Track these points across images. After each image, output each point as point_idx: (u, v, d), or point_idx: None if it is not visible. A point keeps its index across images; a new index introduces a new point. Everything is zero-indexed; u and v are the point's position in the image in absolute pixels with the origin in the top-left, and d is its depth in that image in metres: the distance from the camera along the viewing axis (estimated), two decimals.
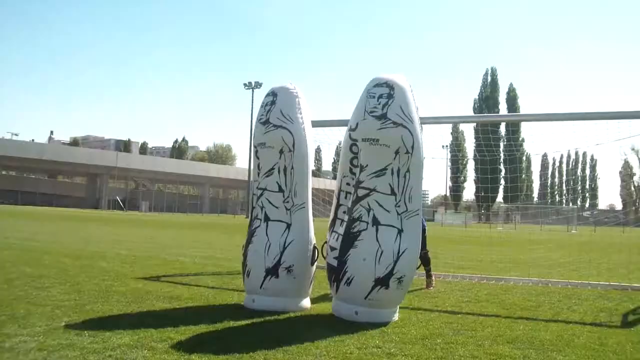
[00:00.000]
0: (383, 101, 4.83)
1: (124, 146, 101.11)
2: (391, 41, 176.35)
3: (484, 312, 5.50)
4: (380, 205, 4.75)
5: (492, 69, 78.67)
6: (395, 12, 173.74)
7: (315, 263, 5.39)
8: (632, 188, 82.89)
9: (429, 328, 4.59)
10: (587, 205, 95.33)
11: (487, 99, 76.74)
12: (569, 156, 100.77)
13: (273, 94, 5.49)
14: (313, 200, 5.67)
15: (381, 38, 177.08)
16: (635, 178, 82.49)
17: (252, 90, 57.04)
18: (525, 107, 78.19)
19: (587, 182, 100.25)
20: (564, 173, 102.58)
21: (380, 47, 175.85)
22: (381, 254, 4.65)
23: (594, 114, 7.10)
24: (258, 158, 5.48)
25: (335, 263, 4.91)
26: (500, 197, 66.49)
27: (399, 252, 4.68)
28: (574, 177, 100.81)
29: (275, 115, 5.33)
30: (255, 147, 5.52)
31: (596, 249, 14.36)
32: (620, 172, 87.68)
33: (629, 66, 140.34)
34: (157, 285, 6.47)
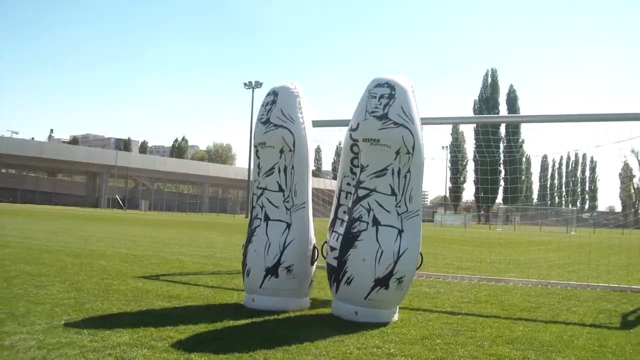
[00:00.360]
0: (384, 101, 4.83)
1: (124, 145, 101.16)
2: (392, 41, 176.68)
3: (484, 312, 5.51)
4: (381, 206, 4.75)
5: (492, 70, 78.96)
6: (395, 13, 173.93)
7: (315, 263, 5.40)
8: (632, 190, 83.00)
9: (428, 328, 4.59)
10: (586, 207, 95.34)
11: (487, 100, 76.90)
12: (568, 158, 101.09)
13: (274, 93, 5.49)
14: (313, 200, 5.67)
15: (382, 38, 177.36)
16: (635, 180, 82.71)
17: (253, 90, 57.13)
18: (525, 108, 78.45)
19: (587, 184, 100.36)
20: (564, 175, 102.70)
21: (381, 47, 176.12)
22: (381, 255, 4.66)
23: (594, 115, 7.09)
24: (258, 157, 5.48)
25: (335, 263, 4.91)
26: (499, 198, 66.61)
27: (399, 253, 4.69)
28: (573, 179, 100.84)
29: (276, 115, 5.33)
30: (255, 146, 5.52)
31: (595, 251, 14.35)
32: (620, 174, 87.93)
33: (630, 67, 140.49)
34: (156, 284, 6.47)
